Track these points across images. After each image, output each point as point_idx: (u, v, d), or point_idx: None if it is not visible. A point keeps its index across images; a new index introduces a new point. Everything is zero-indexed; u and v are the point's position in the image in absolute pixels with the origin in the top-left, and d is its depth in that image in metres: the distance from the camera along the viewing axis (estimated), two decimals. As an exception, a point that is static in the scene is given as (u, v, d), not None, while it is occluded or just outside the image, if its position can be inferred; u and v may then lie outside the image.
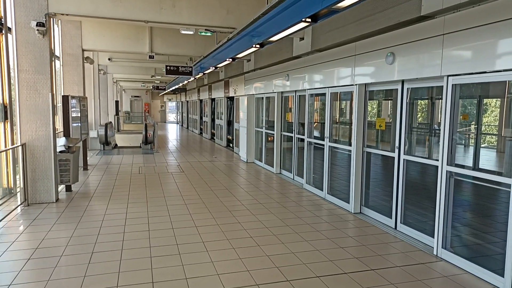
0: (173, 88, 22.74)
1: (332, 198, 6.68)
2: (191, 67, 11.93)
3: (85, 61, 11.23)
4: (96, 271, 3.79)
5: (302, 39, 7.01)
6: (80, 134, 8.73)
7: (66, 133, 7.74)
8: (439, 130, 4.39)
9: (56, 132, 7.04)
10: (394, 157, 5.21)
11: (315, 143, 7.49)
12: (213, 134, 18.37)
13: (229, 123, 15.31)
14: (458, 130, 4.30)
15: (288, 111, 9.16)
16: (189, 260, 4.08)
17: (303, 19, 4.00)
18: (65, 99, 7.76)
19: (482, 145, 4.58)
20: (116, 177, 8.68)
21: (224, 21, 7.27)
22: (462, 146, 4.64)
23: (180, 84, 19.13)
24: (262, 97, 10.45)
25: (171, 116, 39.44)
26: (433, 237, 4.40)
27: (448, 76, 4.10)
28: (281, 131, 9.36)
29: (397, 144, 5.14)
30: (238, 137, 12.87)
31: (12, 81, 6.73)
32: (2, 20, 6.57)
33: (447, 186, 4.19)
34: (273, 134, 9.57)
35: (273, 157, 9.58)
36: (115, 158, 11.66)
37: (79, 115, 8.73)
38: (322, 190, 7.04)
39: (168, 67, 11.80)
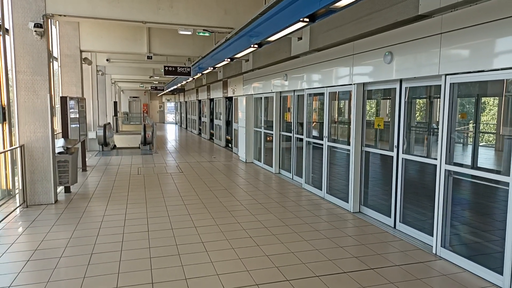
0: (172, 88, 22.73)
1: (331, 197, 6.69)
2: (190, 67, 11.93)
3: (83, 62, 11.21)
4: (96, 272, 3.79)
5: (300, 38, 7.01)
6: (78, 135, 8.72)
7: (65, 134, 7.74)
8: (438, 129, 4.40)
9: (55, 133, 7.03)
10: (392, 156, 5.22)
11: (314, 143, 7.50)
12: (212, 135, 18.37)
13: (228, 123, 15.31)
14: (456, 129, 4.31)
15: (287, 111, 9.16)
16: (189, 261, 4.08)
17: (301, 19, 4.01)
18: (64, 100, 7.75)
19: (480, 144, 4.59)
20: (115, 178, 8.67)
21: (222, 21, 7.27)
22: (460, 145, 4.64)
23: (179, 85, 19.12)
24: (261, 97, 10.45)
25: (170, 117, 39.42)
26: (432, 236, 4.40)
27: (446, 75, 4.10)
28: (280, 131, 9.37)
29: (395, 143, 5.15)
30: (237, 137, 12.87)
31: (10, 83, 6.72)
32: (0, 21, 6.56)
33: (445, 185, 4.19)
34: (272, 134, 9.58)
35: (272, 157, 9.58)
36: (114, 159, 11.65)
37: (77, 116, 8.72)
38: (321, 189, 7.04)
39: (166, 68, 11.80)
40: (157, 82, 25.94)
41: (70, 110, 7.92)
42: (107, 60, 14.77)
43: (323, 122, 6.95)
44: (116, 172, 9.36)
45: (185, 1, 6.98)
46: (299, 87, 7.82)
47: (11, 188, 7.00)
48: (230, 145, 14.79)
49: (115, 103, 23.89)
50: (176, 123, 35.42)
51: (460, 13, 3.86)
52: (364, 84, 5.82)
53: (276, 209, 6.15)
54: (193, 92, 22.98)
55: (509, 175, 3.46)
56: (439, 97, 4.29)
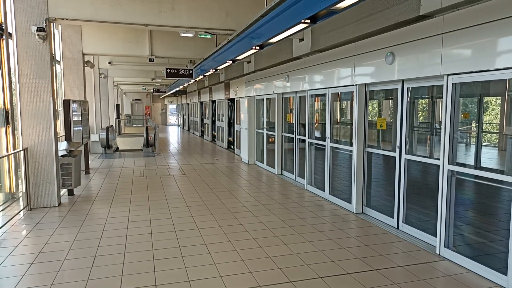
0: (174, 90, 22.78)
1: (334, 198, 6.68)
2: (191, 69, 11.96)
3: (85, 65, 11.26)
4: (99, 275, 3.80)
5: (301, 40, 7.02)
6: (81, 138, 8.75)
7: (68, 137, 7.76)
8: (440, 129, 4.39)
9: (58, 136, 7.06)
10: (395, 157, 5.21)
11: (316, 144, 7.49)
12: (214, 136, 18.38)
13: (230, 125, 15.32)
14: (459, 128, 4.30)
15: (289, 112, 9.16)
16: (192, 263, 4.09)
17: (303, 20, 4.01)
18: (66, 103, 7.78)
19: (483, 144, 4.57)
20: (118, 180, 8.70)
21: (223, 23, 7.28)
22: (463, 145, 4.63)
23: (181, 87, 19.17)
24: (263, 99, 10.45)
25: (172, 119, 39.49)
26: (436, 237, 4.39)
27: (448, 75, 4.10)
28: (282, 132, 9.37)
29: (398, 143, 5.14)
30: (239, 138, 12.88)
31: (13, 86, 6.76)
32: (3, 25, 6.61)
33: (448, 185, 4.18)
34: (274, 135, 9.58)
35: (274, 158, 9.58)
36: (117, 162, 11.68)
37: (80, 119, 8.75)
38: (323, 190, 7.04)
39: (168, 70, 11.84)
40: (159, 85, 26.00)
41: (73, 113, 7.96)
42: (109, 63, 14.82)
43: (325, 123, 6.95)
44: (119, 175, 9.38)
45: (186, 4, 7.00)
46: (301, 88, 7.83)
47: (14, 191, 7.03)
48: (232, 146, 14.80)
49: (118, 105, 23.95)
50: (178, 125, 35.48)
51: (462, 13, 3.85)
52: (366, 84, 5.81)
53: (278, 210, 6.14)
54: (195, 94, 23.02)
55: (512, 175, 3.44)
56: (442, 97, 4.28)
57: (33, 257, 4.25)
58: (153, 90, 26.63)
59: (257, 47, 5.84)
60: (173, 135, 24.27)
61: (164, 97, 35.09)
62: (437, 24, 4.16)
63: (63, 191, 7.30)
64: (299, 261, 4.13)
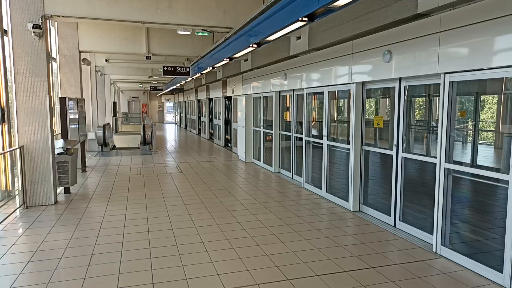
0: (171, 88, 22.71)
1: (331, 196, 6.69)
2: (189, 67, 11.92)
3: (82, 63, 11.20)
4: (96, 273, 3.79)
5: (299, 38, 7.01)
6: (78, 136, 8.72)
7: (64, 135, 7.73)
8: (437, 127, 4.40)
9: (54, 134, 7.03)
10: (392, 155, 5.23)
11: (314, 142, 7.50)
12: (211, 134, 18.36)
13: (227, 123, 15.30)
14: (455, 127, 4.31)
15: (286, 110, 9.16)
16: (189, 261, 4.08)
17: (300, 18, 4.00)
18: (63, 101, 7.75)
19: (479, 142, 4.59)
20: (115, 178, 8.67)
21: (220, 21, 7.26)
22: (460, 143, 4.65)
23: (178, 85, 19.11)
24: (260, 97, 10.45)
25: (169, 117, 39.40)
26: (432, 234, 4.41)
27: (445, 73, 4.11)
28: (279, 130, 9.37)
29: (395, 142, 5.15)
30: (236, 137, 12.87)
31: (9, 84, 6.71)
32: (-2, 22, 6.55)
33: (445, 183, 4.20)
34: (272, 134, 9.58)
35: (272, 157, 9.58)
36: (114, 160, 11.64)
37: (76, 117, 8.72)
38: (321, 188, 7.05)
39: (165, 68, 11.79)
40: (156, 82, 25.93)
41: (69, 111, 7.92)
42: (106, 60, 14.76)
43: (322, 121, 6.95)
44: (115, 173, 9.36)
45: (184, 1, 6.97)
46: (298, 86, 7.82)
47: (11, 189, 7.00)
48: (229, 144, 14.79)
49: (114, 103, 23.86)
50: (175, 123, 35.42)
51: (459, 11, 3.86)
52: (363, 83, 5.82)
53: (276, 208, 6.15)
54: (192, 92, 22.97)
55: (508, 173, 3.46)
56: (438, 96, 4.29)
57: (30, 256, 4.24)
58: (150, 88, 26.53)
59: (255, 45, 5.83)
60: (170, 133, 24.23)
61: (161, 95, 34.99)
62: (434, 23, 4.16)
63: (60, 189, 7.27)
64: (296, 259, 4.14)
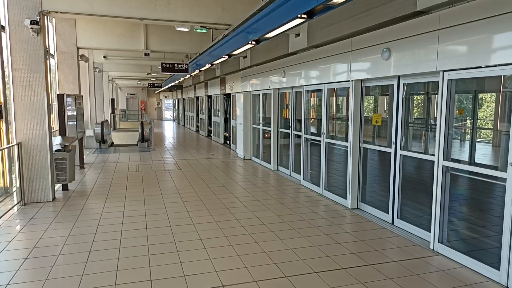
0: (169, 85, 22.67)
1: (329, 194, 6.70)
2: (187, 64, 11.90)
3: (80, 59, 11.16)
4: (94, 270, 3.79)
5: (298, 35, 7.00)
6: (76, 132, 8.69)
7: (62, 132, 7.71)
8: (435, 125, 4.41)
9: (52, 130, 7.01)
10: (390, 153, 5.23)
11: (312, 139, 7.50)
12: (209, 131, 18.35)
13: (226, 120, 15.29)
14: (454, 125, 4.32)
15: (285, 108, 9.15)
16: (187, 258, 4.09)
17: (299, 15, 3.99)
18: (61, 97, 7.72)
19: (477, 140, 4.60)
20: (113, 175, 8.66)
21: (219, 18, 7.24)
22: (458, 141, 4.66)
23: (176, 82, 19.08)
24: (259, 94, 10.43)
25: (168, 114, 39.33)
26: (430, 232, 4.42)
27: (443, 71, 4.11)
28: (277, 127, 9.37)
29: (393, 139, 5.15)
30: (235, 134, 12.86)
31: (6, 80, 6.68)
32: (-4, 18, 6.51)
33: (443, 181, 4.21)
34: (270, 131, 9.57)
35: (270, 154, 9.58)
36: (112, 156, 11.62)
37: (74, 114, 8.68)
38: (319, 186, 7.05)
39: (163, 65, 11.76)
40: (154, 79, 25.86)
41: (67, 108, 7.89)
42: (104, 57, 14.69)
43: (321, 119, 6.95)
44: (114, 170, 9.35)
45: (182, -2, 6.95)
46: (297, 83, 7.82)
47: (8, 186, 6.98)
48: (228, 142, 14.78)
49: (113, 100, 23.81)
50: (174, 120, 35.36)
51: (458, 9, 3.85)
52: (362, 80, 5.81)
53: (274, 205, 6.16)
54: (190, 89, 22.93)
55: (506, 171, 3.47)
56: (437, 94, 4.29)
57: (28, 252, 4.23)
58: (149, 85, 26.51)
59: (253, 42, 5.82)
60: (169, 130, 24.19)
61: (160, 91, 34.92)
62: (433, 20, 4.16)
63: (58, 186, 7.25)
64: (294, 256, 4.15)
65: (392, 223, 5.25)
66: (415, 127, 5.39)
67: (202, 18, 7.15)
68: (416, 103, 5.49)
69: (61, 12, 6.42)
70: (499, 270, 3.57)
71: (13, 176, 6.91)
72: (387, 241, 4.65)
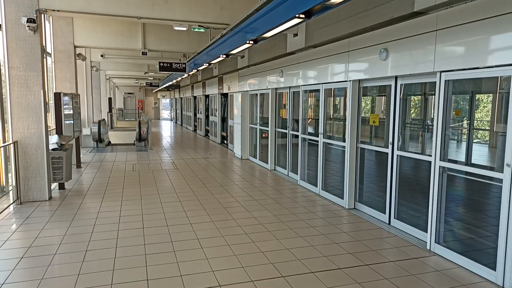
0: (167, 85, 22.64)
1: (327, 194, 6.71)
2: (185, 63, 11.88)
3: (77, 58, 11.12)
4: (90, 269, 3.78)
5: (296, 35, 7.00)
6: (73, 131, 8.66)
7: (59, 131, 7.68)
8: (432, 125, 4.42)
9: (49, 129, 6.98)
10: (387, 153, 5.24)
11: (310, 139, 7.51)
12: (207, 131, 18.32)
13: (223, 120, 15.28)
14: (451, 125, 4.33)
15: (282, 108, 9.15)
16: (184, 257, 4.08)
17: (297, 15, 3.99)
18: (57, 96, 7.69)
19: (474, 141, 4.61)
20: (110, 174, 8.63)
21: (217, 17, 7.23)
22: (454, 142, 4.67)
23: (174, 81, 19.05)
24: (256, 94, 10.43)
25: (165, 113, 39.25)
26: (427, 232, 4.43)
27: (441, 72, 4.12)
28: (275, 127, 9.37)
29: (390, 140, 5.16)
30: (232, 133, 12.86)
31: (3, 78, 6.65)
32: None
33: (440, 181, 4.22)
34: (268, 131, 9.57)
35: (268, 154, 9.58)
36: (109, 156, 11.59)
37: (71, 113, 8.65)
38: (316, 186, 7.06)
39: (161, 64, 11.74)
40: (152, 78, 25.81)
41: (64, 106, 7.86)
42: (102, 56, 14.65)
43: (318, 119, 6.96)
44: (110, 169, 9.32)
45: (180, -3, 6.94)
46: (294, 83, 7.82)
47: (4, 184, 6.95)
48: (225, 141, 14.77)
49: (110, 99, 23.70)
50: (171, 120, 35.30)
51: (455, 10, 3.87)
52: (359, 80, 5.82)
53: (271, 205, 6.15)
54: (188, 89, 22.89)
55: (502, 172, 3.48)
56: (434, 94, 4.30)
57: (23, 252, 4.21)
58: (146, 84, 26.44)
59: (251, 42, 5.81)
60: (166, 129, 24.15)
61: (157, 91, 34.85)
62: (431, 21, 4.17)
63: (54, 185, 7.23)
64: (291, 256, 4.15)
65: (389, 223, 5.27)
66: (412, 127, 5.40)
67: (200, 17, 7.14)
68: (413, 103, 5.50)
69: (58, 10, 6.39)
70: (495, 270, 3.59)
71: (9, 175, 6.88)
72: (384, 241, 4.66)
